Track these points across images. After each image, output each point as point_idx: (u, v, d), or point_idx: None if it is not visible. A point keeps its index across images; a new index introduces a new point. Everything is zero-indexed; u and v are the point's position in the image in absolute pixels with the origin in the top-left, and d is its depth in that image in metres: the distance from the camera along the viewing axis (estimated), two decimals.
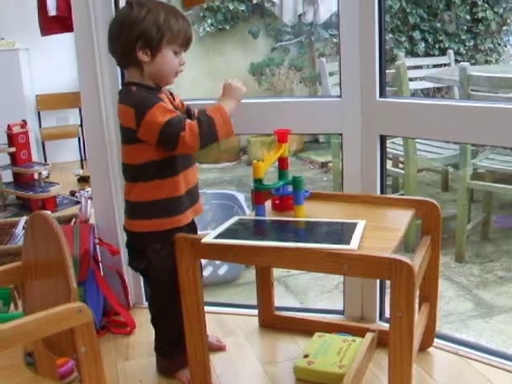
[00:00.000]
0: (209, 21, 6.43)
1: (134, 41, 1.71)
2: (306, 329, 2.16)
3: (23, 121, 4.64)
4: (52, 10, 2.57)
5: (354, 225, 1.67)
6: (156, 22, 1.71)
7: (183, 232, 1.79)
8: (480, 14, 6.72)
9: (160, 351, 2.00)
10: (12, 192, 4.50)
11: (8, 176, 4.59)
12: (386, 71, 2.13)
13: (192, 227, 1.92)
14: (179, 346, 1.87)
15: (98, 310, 2.30)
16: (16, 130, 4.47)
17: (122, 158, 1.85)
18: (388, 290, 1.49)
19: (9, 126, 4.49)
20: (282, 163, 1.94)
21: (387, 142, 2.22)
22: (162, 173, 1.77)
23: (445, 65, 5.43)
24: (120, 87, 2.29)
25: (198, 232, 1.98)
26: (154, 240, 1.82)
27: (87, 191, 4.52)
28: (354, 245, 1.52)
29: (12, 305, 2.28)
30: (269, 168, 1.85)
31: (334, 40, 6.41)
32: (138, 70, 1.76)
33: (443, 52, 6.34)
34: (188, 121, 1.69)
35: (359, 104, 2.08)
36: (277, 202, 1.92)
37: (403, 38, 6.61)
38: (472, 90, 3.22)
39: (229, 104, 1.78)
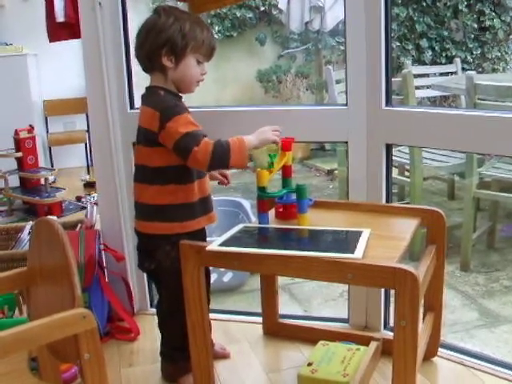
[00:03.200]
0: (216, 28, 6.45)
1: (159, 46, 1.78)
2: (310, 337, 2.15)
3: (30, 126, 4.65)
4: (60, 17, 2.58)
5: (359, 233, 1.67)
6: (182, 30, 1.78)
7: (194, 237, 1.81)
8: (487, 23, 6.72)
9: (165, 356, 2.01)
10: (18, 197, 4.51)
11: (15, 181, 4.60)
12: (393, 79, 2.13)
13: (202, 234, 1.94)
14: (184, 350, 1.87)
15: (103, 315, 2.30)
16: (23, 135, 4.48)
17: (135, 160, 1.89)
18: (393, 299, 1.48)
19: (16, 130, 4.50)
20: (286, 171, 1.94)
21: (393, 149, 2.22)
22: (179, 178, 1.81)
23: (452, 73, 5.43)
24: (127, 93, 2.32)
25: None
26: (166, 242, 1.84)
27: (93, 197, 4.54)
28: (358, 254, 1.51)
29: (17, 310, 2.29)
30: (273, 176, 1.85)
31: (341, 48, 6.42)
32: (162, 76, 1.83)
33: (450, 60, 6.34)
34: (205, 139, 1.71)
35: (365, 112, 2.08)
36: (280, 210, 1.92)
37: (410, 46, 6.61)
38: (479, 99, 3.21)
39: (251, 140, 1.78)
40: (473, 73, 3.31)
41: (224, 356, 2.13)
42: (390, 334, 2.09)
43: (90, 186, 5.08)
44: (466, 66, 6.48)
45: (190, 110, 1.86)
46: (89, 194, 4.80)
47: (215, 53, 1.88)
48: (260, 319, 2.29)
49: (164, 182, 1.81)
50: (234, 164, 1.74)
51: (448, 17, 6.70)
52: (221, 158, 1.71)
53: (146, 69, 1.87)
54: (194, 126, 1.74)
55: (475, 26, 6.75)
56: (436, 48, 6.71)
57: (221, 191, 4.65)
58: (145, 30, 1.82)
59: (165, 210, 1.83)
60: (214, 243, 1.66)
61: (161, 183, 1.82)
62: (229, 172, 2.07)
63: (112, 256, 2.37)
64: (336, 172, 5.38)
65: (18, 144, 4.48)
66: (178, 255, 1.77)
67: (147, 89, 1.87)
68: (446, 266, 1.95)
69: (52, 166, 5.72)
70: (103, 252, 2.37)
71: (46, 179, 4.50)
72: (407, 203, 3.60)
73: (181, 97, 1.88)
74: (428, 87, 4.90)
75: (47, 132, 5.94)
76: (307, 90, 6.72)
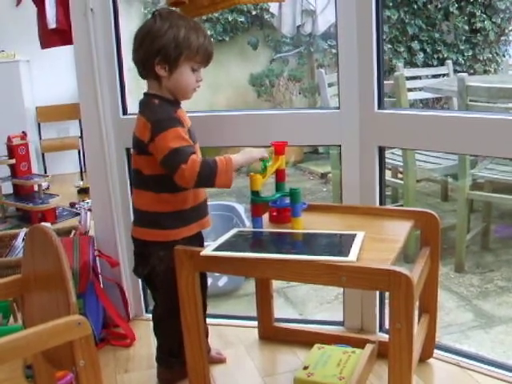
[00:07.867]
0: (208, 32, 6.44)
1: (153, 55, 1.76)
2: (306, 340, 2.15)
3: (23, 132, 4.64)
4: (52, 23, 2.57)
5: (353, 236, 1.67)
6: (175, 39, 1.74)
7: (190, 243, 1.81)
8: (478, 25, 6.73)
9: (161, 361, 2.01)
10: (12, 204, 4.50)
11: (8, 188, 4.58)
12: (385, 82, 2.14)
13: (198, 238, 1.94)
14: (180, 356, 1.87)
15: (98, 322, 2.30)
16: (16, 141, 4.47)
17: (132, 164, 1.90)
18: (388, 301, 1.49)
19: (9, 137, 4.49)
20: (279, 175, 1.94)
21: (386, 152, 2.23)
22: (173, 187, 1.78)
23: (443, 75, 5.44)
24: (119, 99, 2.32)
25: None
26: (159, 248, 1.84)
27: (87, 203, 4.53)
28: (352, 256, 1.51)
29: (11, 317, 2.28)
30: (267, 180, 1.85)
31: (333, 51, 6.43)
32: (157, 83, 1.81)
33: (442, 62, 6.35)
34: (193, 156, 1.70)
35: (358, 115, 2.08)
36: (274, 214, 1.92)
37: (402, 49, 6.62)
38: (471, 101, 3.23)
39: (238, 159, 1.78)
40: (464, 74, 3.32)
41: (220, 361, 2.13)
42: (385, 337, 2.09)
43: (83, 192, 5.07)
44: (457, 67, 6.49)
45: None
46: (82, 200, 4.78)
47: (212, 58, 1.85)
48: (255, 323, 2.29)
49: (157, 190, 1.81)
50: (220, 184, 1.73)
51: (439, 19, 6.71)
52: (207, 177, 1.71)
53: (141, 74, 1.86)
54: (183, 141, 1.72)
55: (466, 27, 6.76)
56: (428, 50, 6.73)
57: (215, 195, 4.66)
58: (140, 35, 1.80)
59: (158, 217, 1.83)
60: (208, 248, 1.66)
61: (154, 191, 1.82)
62: None
63: (106, 262, 2.36)
64: (329, 175, 5.39)
65: (11, 151, 4.47)
66: (171, 260, 1.77)
67: (144, 95, 1.86)
68: (440, 267, 1.96)
69: (45, 173, 5.71)
70: (97, 258, 2.36)
71: (40, 186, 4.49)
72: (401, 205, 3.61)
73: (178, 103, 1.86)
74: (420, 89, 4.91)
75: (40, 138, 5.92)
76: (300, 93, 6.73)
